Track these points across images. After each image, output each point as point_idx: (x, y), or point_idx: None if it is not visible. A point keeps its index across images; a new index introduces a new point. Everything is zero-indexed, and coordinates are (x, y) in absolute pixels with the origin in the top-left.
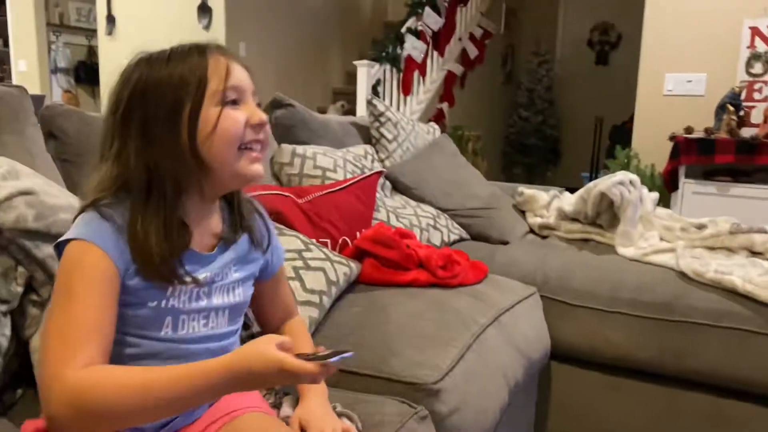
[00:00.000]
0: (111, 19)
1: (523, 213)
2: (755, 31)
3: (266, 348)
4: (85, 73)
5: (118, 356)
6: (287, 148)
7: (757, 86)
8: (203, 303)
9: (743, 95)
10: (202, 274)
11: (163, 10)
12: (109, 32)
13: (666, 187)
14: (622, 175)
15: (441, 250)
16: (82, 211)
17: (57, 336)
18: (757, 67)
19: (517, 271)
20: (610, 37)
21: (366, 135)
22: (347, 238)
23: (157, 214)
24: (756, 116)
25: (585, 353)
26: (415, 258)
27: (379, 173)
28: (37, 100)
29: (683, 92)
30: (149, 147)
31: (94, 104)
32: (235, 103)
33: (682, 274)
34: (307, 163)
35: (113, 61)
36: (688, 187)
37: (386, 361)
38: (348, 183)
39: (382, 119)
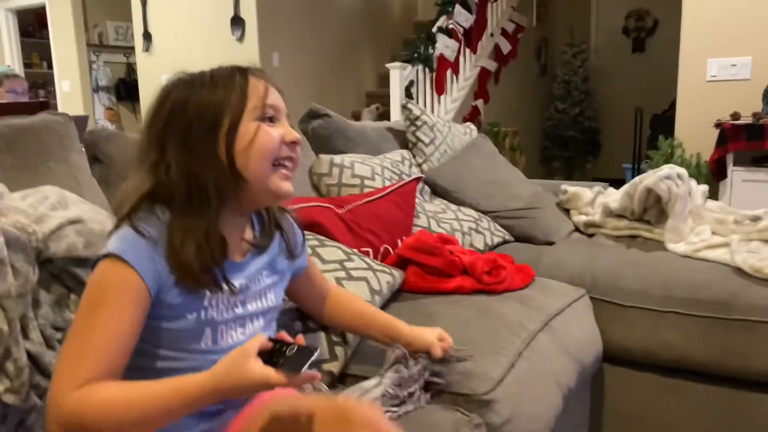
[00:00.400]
0: (147, 36)
1: (567, 211)
2: None
3: (248, 366)
4: (125, 90)
5: (154, 372)
6: (325, 158)
7: None
8: (239, 311)
9: None
10: (237, 282)
11: (197, 24)
12: (146, 49)
13: (713, 176)
14: (668, 169)
15: (486, 255)
16: (117, 224)
17: (71, 353)
18: None
19: (565, 273)
20: (646, 24)
21: (402, 139)
22: (389, 247)
23: (197, 224)
24: None
25: (639, 355)
26: (459, 264)
27: (418, 179)
28: (80, 120)
29: (727, 77)
30: (189, 158)
31: (135, 120)
32: (271, 120)
33: (739, 270)
34: (345, 173)
35: (151, 76)
36: (737, 175)
37: (437, 372)
38: (387, 191)
39: (418, 123)
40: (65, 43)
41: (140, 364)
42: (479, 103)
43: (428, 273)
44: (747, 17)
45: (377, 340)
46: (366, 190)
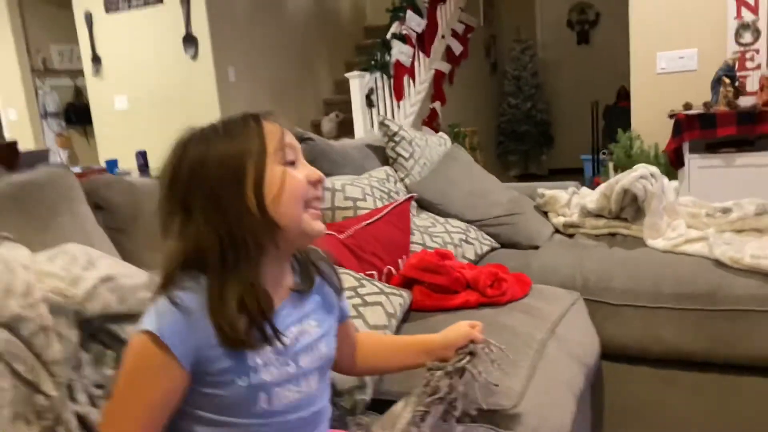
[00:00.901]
0: (96, 59)
1: (545, 213)
2: (740, 2)
3: None
4: (75, 114)
5: None
6: None
7: (748, 55)
8: (292, 369)
9: (736, 66)
10: (285, 331)
11: (147, 44)
12: (96, 72)
13: (672, 164)
14: (643, 169)
15: (486, 268)
16: (154, 296)
17: (111, 424)
18: (747, 37)
19: (556, 277)
20: (589, 16)
21: (381, 155)
22: (391, 267)
23: (237, 281)
24: (751, 85)
25: (635, 351)
26: (462, 280)
27: (410, 198)
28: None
29: (676, 69)
30: (218, 216)
31: (87, 144)
32: (292, 163)
33: (719, 263)
34: (338, 196)
35: (103, 98)
36: (693, 162)
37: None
38: (384, 212)
39: (397, 138)
40: (8, 70)
41: (195, 430)
42: (437, 105)
43: (434, 291)
44: (690, 11)
45: (416, 364)
46: (359, 212)
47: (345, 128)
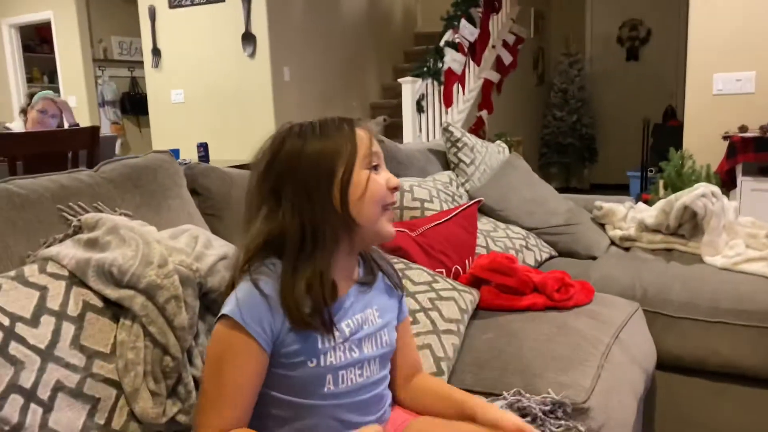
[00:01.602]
0: (156, 52)
1: (602, 226)
2: None
3: None
4: (130, 104)
5: (272, 419)
6: None
7: None
8: (356, 354)
9: None
10: (347, 321)
11: (207, 40)
12: (155, 65)
13: (723, 185)
14: (704, 188)
15: (552, 273)
16: (237, 277)
17: (207, 405)
18: None
19: (615, 287)
20: (640, 33)
21: (442, 160)
22: (459, 267)
23: (310, 268)
24: None
25: (690, 362)
26: (530, 283)
27: (478, 202)
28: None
29: (733, 91)
30: (305, 207)
31: (139, 133)
32: (376, 168)
33: None
34: (406, 196)
35: (160, 91)
36: (746, 184)
37: (533, 384)
38: (453, 213)
39: (459, 144)
40: (71, 58)
41: (270, 411)
42: (483, 113)
43: (502, 291)
44: (749, 33)
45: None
46: (426, 213)
47: (391, 132)
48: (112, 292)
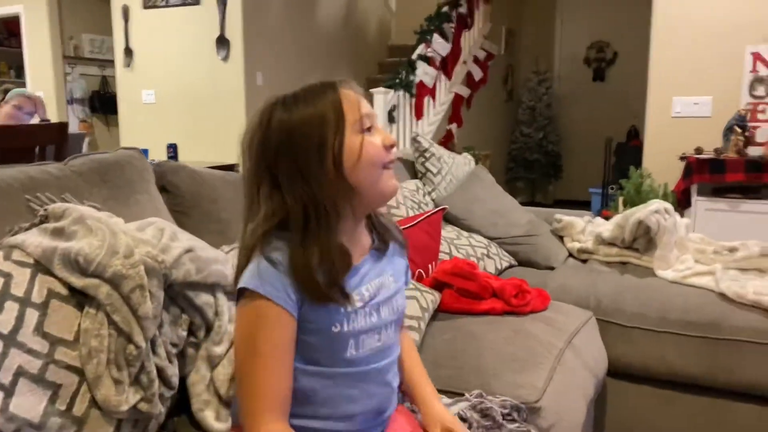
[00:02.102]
0: (128, 52)
1: (560, 238)
2: (757, 57)
3: None
4: (100, 102)
5: (295, 400)
6: None
7: (760, 108)
8: (375, 319)
9: (748, 117)
10: (366, 286)
11: (181, 42)
12: (127, 64)
13: (679, 204)
14: (658, 204)
15: (511, 280)
16: (249, 253)
17: (252, 395)
18: (760, 90)
19: (571, 296)
20: (606, 55)
21: (411, 169)
22: (422, 270)
23: (317, 243)
24: (761, 136)
25: (639, 370)
26: (489, 288)
27: (443, 209)
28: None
29: (691, 114)
30: (302, 183)
31: (108, 133)
32: (369, 130)
33: (723, 296)
34: None
35: (131, 91)
36: (701, 204)
37: (489, 383)
38: (418, 219)
39: (427, 154)
40: (40, 54)
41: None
42: (453, 126)
43: (462, 295)
44: (707, 60)
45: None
46: (394, 219)
47: None
48: (78, 281)
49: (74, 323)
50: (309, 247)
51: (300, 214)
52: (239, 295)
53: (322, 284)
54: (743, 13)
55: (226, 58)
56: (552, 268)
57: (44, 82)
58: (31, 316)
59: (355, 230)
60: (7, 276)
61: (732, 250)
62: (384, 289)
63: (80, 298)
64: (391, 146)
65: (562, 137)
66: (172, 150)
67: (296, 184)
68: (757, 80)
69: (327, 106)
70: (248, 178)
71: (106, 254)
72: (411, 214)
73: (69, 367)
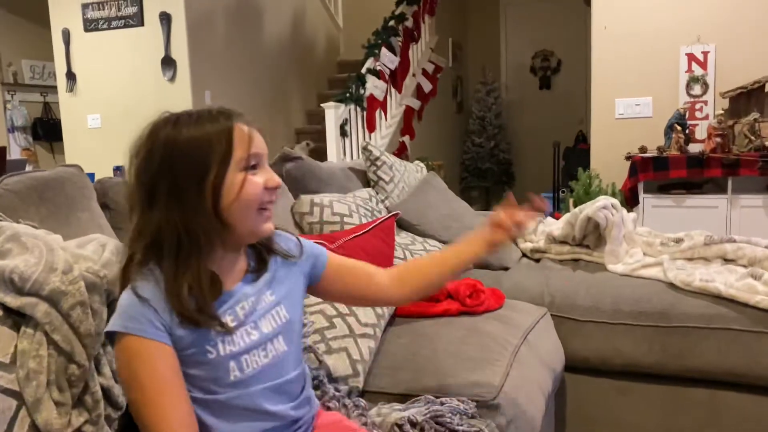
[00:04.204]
0: (71, 76)
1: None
2: (691, 57)
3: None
4: (43, 129)
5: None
6: (306, 198)
7: (697, 106)
8: (255, 336)
9: (687, 115)
10: (241, 305)
11: (125, 64)
12: (70, 89)
13: (627, 202)
14: (605, 200)
15: (465, 280)
16: (124, 281)
17: (156, 423)
18: (696, 89)
19: (526, 294)
20: (551, 63)
21: (363, 178)
22: None
23: (188, 269)
24: (700, 133)
25: (595, 363)
26: (444, 290)
27: (395, 215)
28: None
29: (633, 115)
30: (178, 208)
31: (53, 160)
32: (254, 167)
33: (672, 285)
34: (326, 211)
35: (76, 116)
36: (648, 201)
37: (446, 384)
38: (371, 226)
39: (378, 163)
40: None
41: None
42: (406, 139)
43: None
44: (647, 63)
45: (458, 270)
46: (346, 227)
47: (315, 157)
48: (13, 300)
49: (10, 345)
50: (180, 274)
51: (173, 240)
52: (110, 339)
53: (192, 311)
54: (676, 16)
55: (172, 79)
56: (506, 269)
57: None
58: None
59: (231, 257)
60: None
61: (678, 241)
62: (260, 304)
63: (16, 319)
64: (274, 188)
65: (512, 145)
66: (120, 173)
67: (172, 208)
68: (693, 80)
69: (216, 134)
70: (130, 192)
71: (43, 271)
72: (364, 221)
73: (6, 391)
